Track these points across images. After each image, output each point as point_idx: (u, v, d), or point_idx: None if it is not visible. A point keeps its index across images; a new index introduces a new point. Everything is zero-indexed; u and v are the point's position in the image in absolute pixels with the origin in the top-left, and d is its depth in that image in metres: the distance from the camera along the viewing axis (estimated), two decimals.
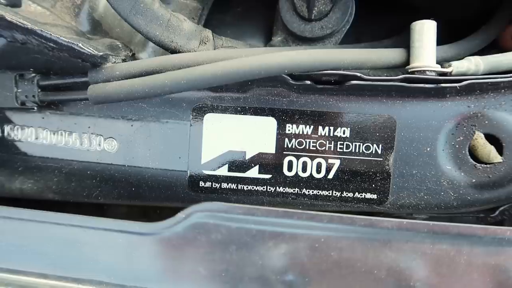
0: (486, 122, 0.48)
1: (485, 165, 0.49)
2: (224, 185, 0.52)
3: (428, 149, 0.50)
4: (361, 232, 0.37)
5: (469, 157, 0.49)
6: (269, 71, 0.42)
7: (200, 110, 0.51)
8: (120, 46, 0.50)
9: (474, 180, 0.49)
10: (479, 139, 0.49)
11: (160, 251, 0.38)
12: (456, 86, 0.44)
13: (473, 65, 0.48)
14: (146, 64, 0.46)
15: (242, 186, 0.52)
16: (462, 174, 0.50)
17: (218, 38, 0.52)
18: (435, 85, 0.45)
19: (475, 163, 0.49)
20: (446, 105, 0.49)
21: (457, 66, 0.48)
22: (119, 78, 0.46)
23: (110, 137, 0.52)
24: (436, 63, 0.47)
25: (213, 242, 0.37)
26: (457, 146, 0.49)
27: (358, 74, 0.45)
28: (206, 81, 0.42)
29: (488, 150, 0.49)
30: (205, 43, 0.50)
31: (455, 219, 0.56)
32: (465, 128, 0.49)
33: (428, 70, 0.46)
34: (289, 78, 0.46)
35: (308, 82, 0.46)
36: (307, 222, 0.37)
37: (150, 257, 0.38)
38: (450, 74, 0.47)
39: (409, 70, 0.47)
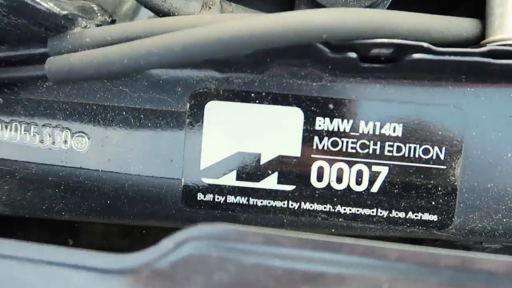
0: None
1: None
2: (231, 199, 0.38)
3: (509, 155, 0.37)
4: (447, 276, 0.24)
5: None
6: (301, 34, 0.29)
7: (200, 97, 0.38)
8: (95, 9, 0.37)
9: None
10: None
11: None
12: None
13: None
14: (128, 29, 0.33)
15: (254, 200, 0.38)
16: None
17: (227, 3, 0.40)
18: None
19: None
20: None
21: None
22: (90, 47, 0.34)
23: (79, 132, 0.39)
24: None
25: (216, 287, 0.24)
26: None
27: (425, 45, 0.32)
28: (210, 48, 0.29)
29: None
30: (209, 7, 0.37)
31: None
32: None
33: None
34: (326, 49, 0.33)
35: (354, 54, 0.33)
36: (363, 259, 0.24)
37: None
38: None
39: (488, 46, 0.34)
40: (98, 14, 0.37)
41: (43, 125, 0.40)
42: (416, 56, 0.32)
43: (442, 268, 0.23)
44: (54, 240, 0.38)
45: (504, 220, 0.37)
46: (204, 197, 0.39)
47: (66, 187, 0.40)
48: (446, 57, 0.32)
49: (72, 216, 0.40)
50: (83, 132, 0.39)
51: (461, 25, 0.35)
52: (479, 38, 0.36)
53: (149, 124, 0.39)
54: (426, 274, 0.23)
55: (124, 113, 0.39)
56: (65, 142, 0.40)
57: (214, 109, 0.38)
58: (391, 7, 0.39)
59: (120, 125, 0.39)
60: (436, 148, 0.37)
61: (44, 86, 0.39)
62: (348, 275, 0.24)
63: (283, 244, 0.24)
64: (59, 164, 0.40)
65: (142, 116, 0.39)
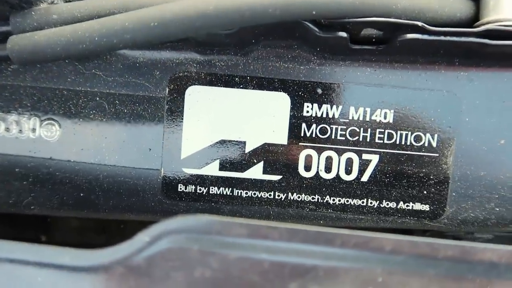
0: None
1: None
2: (214, 190, 0.36)
3: (503, 141, 0.35)
4: (446, 267, 0.22)
5: None
6: (289, 10, 0.27)
7: (181, 81, 0.35)
8: None
9: None
10: None
11: None
12: None
13: None
14: (100, 4, 0.31)
15: (239, 191, 0.36)
16: None
17: None
18: None
19: None
20: None
21: None
22: (57, 25, 0.31)
23: (49, 120, 0.36)
24: None
25: (197, 283, 0.22)
26: None
27: (420, 24, 0.30)
28: (189, 23, 0.27)
29: None
30: None
31: None
32: None
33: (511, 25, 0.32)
34: (315, 27, 0.31)
35: (344, 34, 0.31)
36: (356, 251, 0.22)
37: None
38: None
39: (483, 26, 0.32)
40: None
41: (9, 112, 0.36)
42: (410, 36, 0.31)
43: (441, 259, 0.22)
44: (24, 237, 0.35)
45: (497, 209, 0.36)
46: (185, 189, 0.36)
47: (35, 179, 0.37)
48: (442, 38, 0.31)
49: (42, 210, 0.37)
50: (53, 120, 0.36)
51: (455, 5, 0.33)
52: (473, 20, 0.34)
53: (125, 111, 0.36)
54: (424, 265, 0.22)
55: (97, 98, 0.36)
56: (33, 130, 0.37)
57: (195, 94, 0.35)
58: None
59: (94, 111, 0.36)
60: (428, 135, 0.35)
61: (9, 69, 0.36)
62: (340, 268, 0.22)
63: (270, 236, 0.22)
64: (27, 154, 0.37)
65: (117, 101, 0.36)
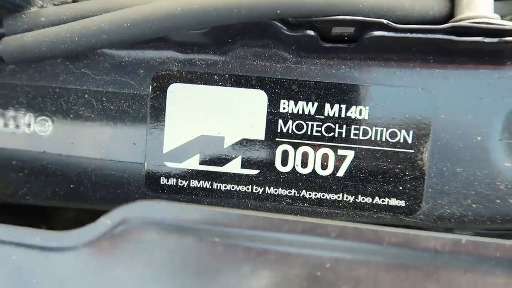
0: None
1: None
2: (194, 183, 0.38)
3: (479, 138, 0.35)
4: (392, 255, 0.23)
5: None
6: (252, 10, 0.28)
7: (163, 79, 0.37)
8: None
9: None
10: None
11: (70, 276, 0.24)
12: None
13: None
14: (83, 7, 0.33)
15: (218, 185, 0.38)
16: None
17: None
18: (500, 39, 0.31)
19: None
20: (505, 76, 0.35)
21: None
22: (45, 26, 0.33)
23: (42, 116, 0.39)
24: None
25: (156, 264, 0.23)
26: None
27: (385, 21, 0.31)
28: (159, 24, 0.28)
29: None
30: None
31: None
32: None
33: (484, 22, 0.32)
34: (283, 26, 0.32)
35: (312, 32, 0.32)
36: (304, 237, 0.23)
37: (51, 286, 0.24)
38: None
39: (447, 24, 0.33)
40: None
41: (7, 109, 0.39)
42: (376, 33, 0.31)
43: (386, 246, 0.23)
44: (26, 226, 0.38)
45: (474, 206, 0.36)
46: (167, 182, 0.38)
47: (30, 172, 0.39)
48: (408, 35, 0.31)
49: (36, 201, 0.40)
50: (46, 116, 0.39)
51: (427, 4, 0.34)
52: (448, 17, 0.35)
53: (112, 107, 0.38)
54: (370, 253, 0.23)
55: (86, 96, 0.38)
56: (29, 125, 0.39)
57: (176, 92, 0.37)
58: None
59: (83, 108, 0.38)
60: (403, 131, 0.36)
61: (7, 69, 0.39)
62: (290, 253, 0.23)
63: (223, 222, 0.23)
64: (23, 148, 0.39)
65: (104, 99, 0.38)
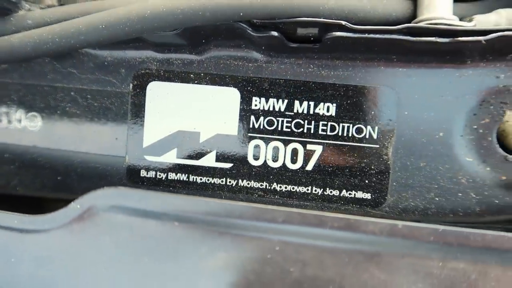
0: None
1: None
2: (172, 176, 0.40)
3: (441, 134, 0.37)
4: (335, 239, 0.25)
5: (497, 145, 0.36)
6: (216, 12, 0.30)
7: (143, 78, 0.39)
8: None
9: (504, 178, 0.36)
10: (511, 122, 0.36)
11: (45, 256, 0.26)
12: (480, 41, 0.32)
13: (504, 19, 0.35)
14: (66, 10, 0.35)
15: (194, 177, 0.40)
16: (488, 169, 0.37)
17: None
18: (452, 39, 0.32)
19: (505, 154, 0.36)
20: (466, 74, 0.36)
21: (480, 21, 0.35)
22: (31, 28, 0.36)
23: (32, 112, 0.42)
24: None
25: (122, 245, 0.26)
26: (480, 130, 0.36)
27: (343, 23, 0.33)
28: (131, 26, 0.31)
29: None
30: None
31: None
32: (492, 107, 0.36)
33: (441, 23, 0.34)
34: (248, 27, 0.34)
35: (275, 33, 0.34)
36: (254, 222, 0.25)
37: (28, 264, 0.26)
38: None
39: (401, 25, 0.34)
40: None
41: (0, 105, 0.42)
42: (336, 34, 0.33)
43: (328, 230, 0.24)
44: None
45: (437, 199, 0.38)
46: (147, 174, 0.40)
47: (21, 164, 0.42)
48: (365, 35, 0.33)
49: (25, 191, 0.43)
50: (35, 112, 0.42)
51: (390, 6, 0.35)
52: (411, 19, 0.36)
53: (96, 104, 0.40)
54: (315, 237, 0.24)
55: (72, 93, 0.41)
56: (19, 121, 0.42)
57: (155, 89, 0.39)
58: None
59: (69, 105, 0.41)
60: (369, 127, 0.38)
61: (1, 67, 0.42)
62: (243, 236, 0.25)
63: (180, 207, 0.25)
64: (14, 142, 0.42)
65: (89, 96, 0.40)
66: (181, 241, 0.25)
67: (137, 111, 0.40)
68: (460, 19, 0.36)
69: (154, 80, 0.39)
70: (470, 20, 0.35)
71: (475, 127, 0.37)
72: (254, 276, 0.25)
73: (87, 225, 0.26)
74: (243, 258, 0.25)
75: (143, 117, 0.40)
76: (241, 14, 0.31)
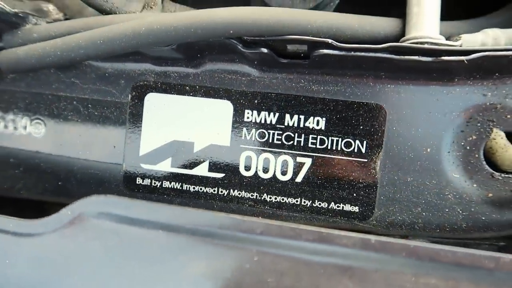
0: (508, 116, 0.36)
1: (505, 175, 0.36)
2: (166, 184, 0.41)
3: (429, 150, 0.38)
4: (309, 251, 0.26)
5: (484, 162, 0.37)
6: (207, 29, 0.32)
7: (141, 89, 0.41)
8: (50, 9, 0.41)
9: (490, 195, 0.37)
10: (498, 139, 0.37)
11: (37, 258, 0.28)
12: (463, 61, 0.33)
13: (490, 38, 0.36)
14: (70, 25, 0.37)
15: (188, 186, 0.41)
16: (475, 185, 0.37)
17: (171, 4, 0.43)
18: (435, 58, 0.33)
19: (492, 171, 0.37)
20: (453, 92, 0.37)
21: (467, 40, 0.36)
22: (37, 41, 0.38)
23: (37, 119, 0.44)
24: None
25: (110, 250, 0.27)
26: (468, 147, 0.37)
27: (329, 41, 0.34)
28: (127, 41, 0.33)
29: (510, 154, 0.36)
30: (151, 7, 0.41)
31: (466, 247, 0.43)
32: (479, 124, 0.37)
33: (427, 42, 0.35)
34: (239, 44, 0.35)
35: (265, 50, 0.35)
36: (233, 232, 0.26)
37: (21, 266, 0.28)
38: None
39: (385, 44, 0.35)
40: (53, 13, 0.41)
41: (7, 112, 0.44)
42: (322, 51, 0.34)
43: (303, 242, 0.25)
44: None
45: (424, 214, 0.38)
46: (143, 182, 0.42)
47: (25, 169, 0.44)
48: (352, 53, 0.34)
49: (29, 195, 0.45)
50: (40, 119, 0.44)
51: (377, 24, 0.36)
52: (400, 37, 0.37)
53: (96, 113, 0.42)
54: (291, 249, 0.25)
55: (75, 102, 0.43)
56: (25, 128, 0.44)
57: (153, 101, 0.41)
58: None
59: (71, 113, 0.43)
60: (357, 141, 0.39)
61: (8, 77, 0.44)
62: (223, 245, 0.26)
63: (162, 215, 0.27)
64: (20, 147, 0.44)
65: (90, 105, 0.42)
66: (165, 249, 0.27)
67: (135, 120, 0.41)
68: (448, 38, 0.37)
69: (152, 92, 0.41)
70: (457, 40, 0.36)
71: (463, 143, 0.37)
72: (234, 285, 0.26)
73: (77, 231, 0.27)
74: (223, 267, 0.26)
75: (141, 126, 0.41)
76: (232, 31, 0.32)
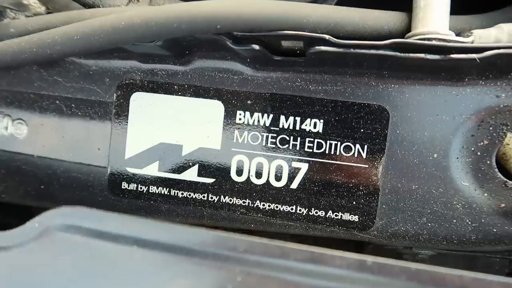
0: None
1: None
2: (153, 189, 0.39)
3: (436, 155, 0.35)
4: (298, 272, 0.23)
5: (496, 170, 0.34)
6: (192, 24, 0.29)
7: (126, 88, 0.38)
8: (31, 2, 0.39)
9: (503, 205, 0.34)
10: None
11: (3, 274, 0.25)
12: (475, 59, 0.29)
13: (505, 34, 0.32)
14: (48, 19, 0.35)
15: (176, 191, 0.39)
16: (486, 194, 0.34)
17: None
18: (443, 56, 0.30)
19: (505, 179, 0.34)
20: (463, 93, 0.34)
21: (480, 36, 0.33)
22: (14, 37, 0.35)
23: (19, 119, 0.41)
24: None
25: (78, 264, 0.24)
26: (478, 153, 0.34)
27: (327, 37, 0.31)
28: (105, 37, 0.30)
29: None
30: (138, 1, 0.38)
31: (475, 260, 0.40)
32: (491, 128, 0.34)
33: (435, 39, 0.32)
34: (227, 39, 0.32)
35: (256, 46, 0.33)
36: (215, 249, 0.24)
37: None
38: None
39: (388, 40, 0.32)
40: (35, 7, 0.39)
41: None
42: (318, 48, 0.31)
43: (292, 262, 0.23)
44: (11, 222, 0.40)
45: (429, 224, 0.35)
46: (128, 186, 0.39)
47: (7, 171, 0.42)
48: (351, 50, 0.31)
49: (11, 198, 0.42)
50: (22, 119, 0.41)
51: (381, 18, 0.33)
52: (406, 32, 0.34)
53: (79, 113, 0.40)
54: (277, 269, 0.23)
55: (57, 101, 0.40)
56: (6, 128, 0.42)
57: (139, 100, 0.38)
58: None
59: (54, 113, 0.40)
60: (358, 145, 0.36)
61: None
62: (204, 264, 0.23)
63: (137, 230, 0.24)
64: (1, 148, 0.42)
65: (73, 105, 0.40)
66: (139, 267, 0.24)
67: (120, 121, 0.39)
68: (458, 34, 0.34)
69: (138, 91, 0.38)
70: (468, 36, 0.33)
71: (473, 149, 0.34)
72: None
73: (44, 244, 0.25)
74: (204, 287, 0.23)
75: (126, 128, 0.39)
76: (219, 27, 0.29)
